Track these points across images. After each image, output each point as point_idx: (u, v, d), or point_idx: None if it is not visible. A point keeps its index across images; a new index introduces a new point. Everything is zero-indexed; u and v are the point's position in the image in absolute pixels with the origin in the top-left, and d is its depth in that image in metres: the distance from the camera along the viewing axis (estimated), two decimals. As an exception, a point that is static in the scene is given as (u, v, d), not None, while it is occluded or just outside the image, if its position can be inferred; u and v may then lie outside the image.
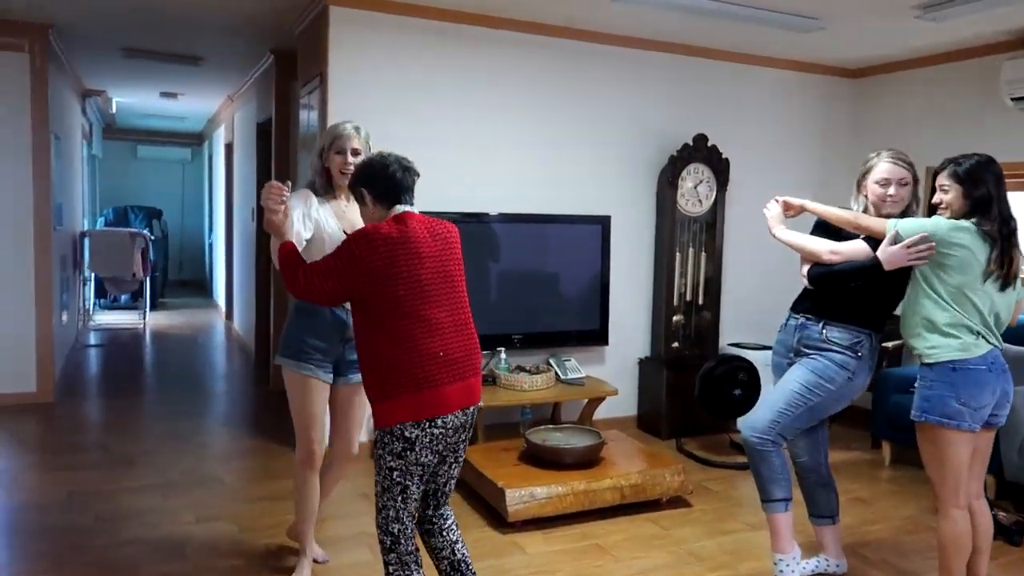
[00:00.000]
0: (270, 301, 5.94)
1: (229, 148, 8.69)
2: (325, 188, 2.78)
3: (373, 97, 4.28)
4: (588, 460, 3.77)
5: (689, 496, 3.88)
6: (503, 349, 4.55)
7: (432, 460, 2.25)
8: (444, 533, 2.43)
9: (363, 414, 2.94)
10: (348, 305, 2.40)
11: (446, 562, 2.42)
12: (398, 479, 2.22)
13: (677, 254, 5.04)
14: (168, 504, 3.65)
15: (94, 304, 9.34)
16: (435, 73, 4.43)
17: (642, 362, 5.13)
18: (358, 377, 2.62)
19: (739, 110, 5.31)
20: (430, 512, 2.42)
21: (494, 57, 4.57)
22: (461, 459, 2.40)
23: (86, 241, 7.81)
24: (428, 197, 4.53)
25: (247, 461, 4.33)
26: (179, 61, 6.22)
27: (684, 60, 5.09)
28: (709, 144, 5.01)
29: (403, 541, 2.26)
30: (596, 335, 4.90)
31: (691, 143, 4.97)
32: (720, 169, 5.07)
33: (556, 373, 4.61)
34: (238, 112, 8.00)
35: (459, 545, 2.44)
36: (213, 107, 9.22)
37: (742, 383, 4.48)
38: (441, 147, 4.45)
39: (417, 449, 2.19)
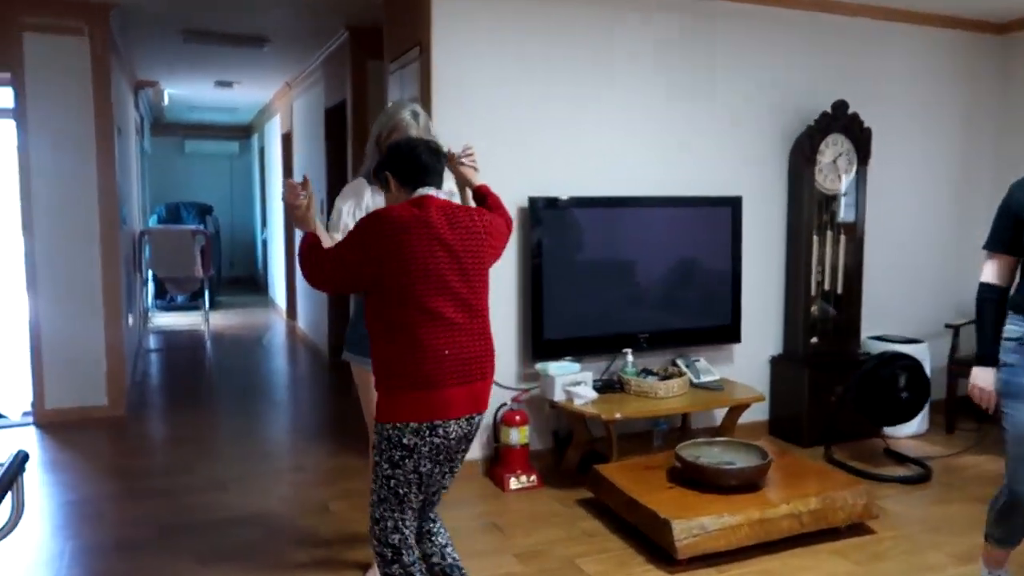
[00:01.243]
0: (348, 301, 5.46)
1: (287, 138, 8.25)
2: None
3: (481, 70, 3.76)
4: (755, 482, 3.24)
5: (873, 521, 3.32)
6: (629, 351, 4.02)
7: (431, 469, 2.13)
8: (433, 537, 2.29)
9: None
10: None
11: (437, 568, 2.27)
12: (395, 488, 2.10)
13: (814, 237, 4.45)
14: (273, 541, 3.18)
15: (152, 305, 9.00)
16: (548, 41, 3.88)
17: (775, 360, 4.56)
18: None
19: (877, 73, 4.68)
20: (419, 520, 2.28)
21: (612, 22, 4.01)
22: (458, 468, 2.26)
23: (145, 240, 7.43)
24: (537, 180, 4.05)
25: (352, 482, 3.85)
26: (243, 43, 5.76)
27: (816, 17, 4.48)
28: (849, 112, 4.41)
29: (405, 553, 2.14)
30: (727, 331, 4.34)
31: (830, 111, 4.36)
32: (861, 140, 4.46)
33: (689, 377, 4.07)
34: (298, 99, 7.54)
35: (448, 549, 2.29)
36: (267, 96, 8.79)
37: (907, 384, 3.90)
38: (553, 125, 3.92)
39: (415, 458, 2.07)
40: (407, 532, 2.14)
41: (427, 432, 2.04)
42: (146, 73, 7.41)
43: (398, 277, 2.02)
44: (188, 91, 8.34)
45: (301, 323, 7.96)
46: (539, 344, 3.87)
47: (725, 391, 4.01)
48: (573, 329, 3.95)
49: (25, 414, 4.88)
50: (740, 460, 3.36)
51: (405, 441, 2.05)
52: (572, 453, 3.93)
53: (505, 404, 3.82)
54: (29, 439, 4.53)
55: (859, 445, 4.34)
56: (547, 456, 4.03)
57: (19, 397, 5.09)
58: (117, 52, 5.73)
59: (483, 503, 3.57)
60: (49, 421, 4.73)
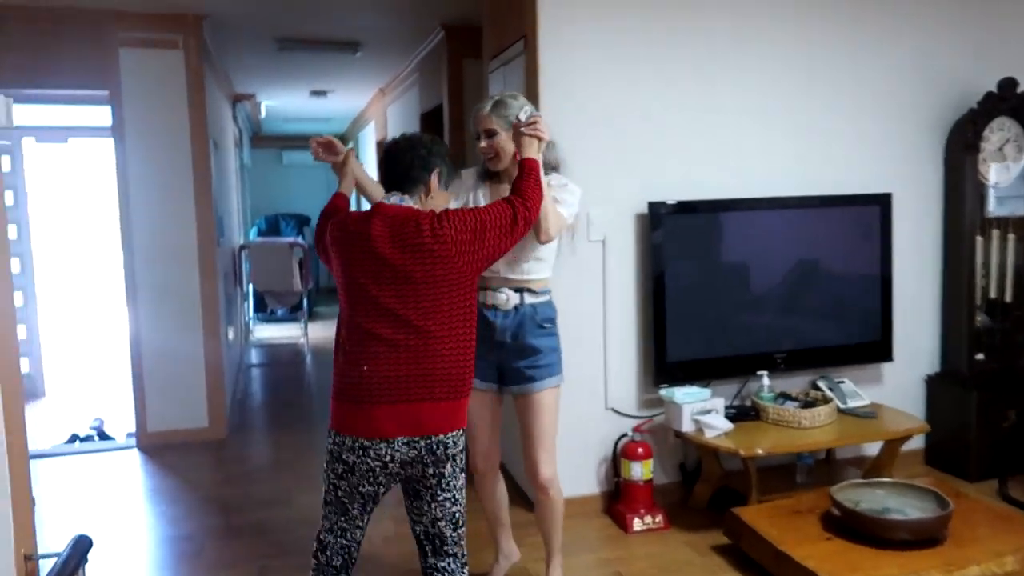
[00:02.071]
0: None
1: (381, 146, 8.09)
2: (486, 172, 2.58)
3: (591, 61, 3.37)
4: (933, 535, 2.72)
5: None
6: (765, 373, 3.54)
7: (375, 490, 2.09)
8: None
9: (544, 432, 2.55)
10: (496, 303, 2.48)
11: None
12: (341, 497, 2.11)
13: (977, 237, 3.85)
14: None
15: (252, 318, 9.03)
16: (668, 26, 3.46)
17: (932, 380, 3.98)
18: (528, 387, 2.52)
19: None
20: (430, 560, 2.18)
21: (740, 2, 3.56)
22: (443, 497, 2.10)
23: (244, 254, 7.40)
24: (655, 183, 3.47)
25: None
26: (336, 49, 5.57)
27: (976, -16, 3.89)
28: (1019, 91, 3.79)
29: (325, 555, 2.16)
30: (876, 348, 3.79)
31: (996, 91, 3.76)
32: (1032, 123, 3.83)
33: (835, 402, 3.56)
34: (392, 105, 7.36)
35: None
36: (361, 104, 8.67)
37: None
38: (673, 118, 3.49)
39: (355, 477, 2.05)
40: (340, 540, 2.15)
41: (360, 451, 2.01)
42: (243, 86, 7.39)
43: (339, 287, 2.10)
44: (284, 102, 8.31)
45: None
46: (662, 366, 3.44)
47: (879, 418, 3.48)
48: (700, 349, 3.52)
49: (129, 435, 4.82)
50: (910, 507, 2.85)
51: (345, 457, 2.04)
52: (702, 489, 3.50)
53: (626, 435, 3.42)
54: (133, 463, 4.45)
55: (1039, 480, 3.72)
56: (673, 491, 3.60)
57: (124, 417, 5.05)
58: (213, 66, 5.65)
59: (605, 547, 3.18)
60: (152, 444, 4.64)
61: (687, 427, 3.29)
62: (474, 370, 2.14)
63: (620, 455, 3.40)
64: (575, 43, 3.35)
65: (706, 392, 3.37)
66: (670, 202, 3.40)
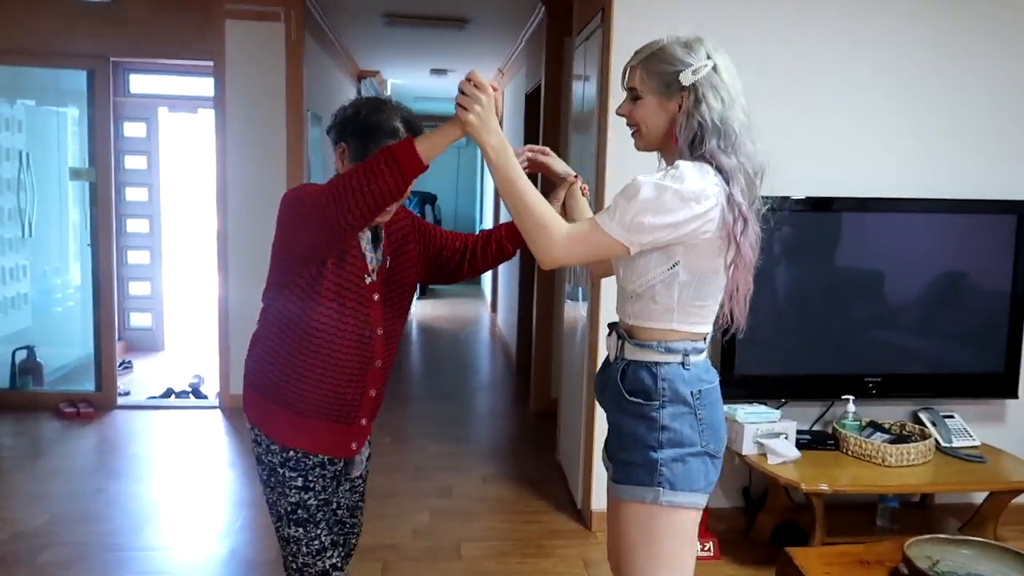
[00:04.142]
0: (533, 295, 5.00)
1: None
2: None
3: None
4: (1021, 612, 2.26)
5: None
6: (851, 398, 3.11)
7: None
8: None
9: (627, 562, 1.64)
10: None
11: None
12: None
13: None
14: (390, 582, 2.78)
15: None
16: (764, 11, 3.08)
17: (1069, 425, 3.37)
18: (611, 484, 1.68)
19: None
20: None
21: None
22: None
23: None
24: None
25: (495, 519, 3.37)
26: (443, 25, 5.49)
27: None
28: None
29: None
30: (997, 381, 3.24)
31: None
32: None
33: (935, 439, 3.08)
34: (508, 85, 7.22)
35: None
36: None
37: None
38: (765, 107, 3.10)
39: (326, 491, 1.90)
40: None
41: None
42: (366, 63, 7.49)
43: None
44: (406, 80, 8.36)
45: (499, 318, 7.69)
46: (729, 380, 3.08)
47: (987, 463, 2.97)
48: (776, 365, 3.14)
49: (217, 395, 5.00)
50: (999, 574, 2.38)
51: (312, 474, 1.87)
52: (765, 519, 3.13)
53: (680, 450, 3.10)
54: (211, 422, 4.61)
55: None
56: (734, 517, 3.26)
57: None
58: (328, 40, 5.73)
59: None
60: (234, 405, 4.78)
61: (748, 450, 2.94)
62: None
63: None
64: (657, 16, 3.04)
65: (775, 413, 2.99)
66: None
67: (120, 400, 4.85)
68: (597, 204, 3.14)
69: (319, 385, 1.76)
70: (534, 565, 2.91)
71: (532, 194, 1.52)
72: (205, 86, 6.05)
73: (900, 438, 3.04)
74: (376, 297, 1.80)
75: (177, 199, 6.69)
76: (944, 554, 2.50)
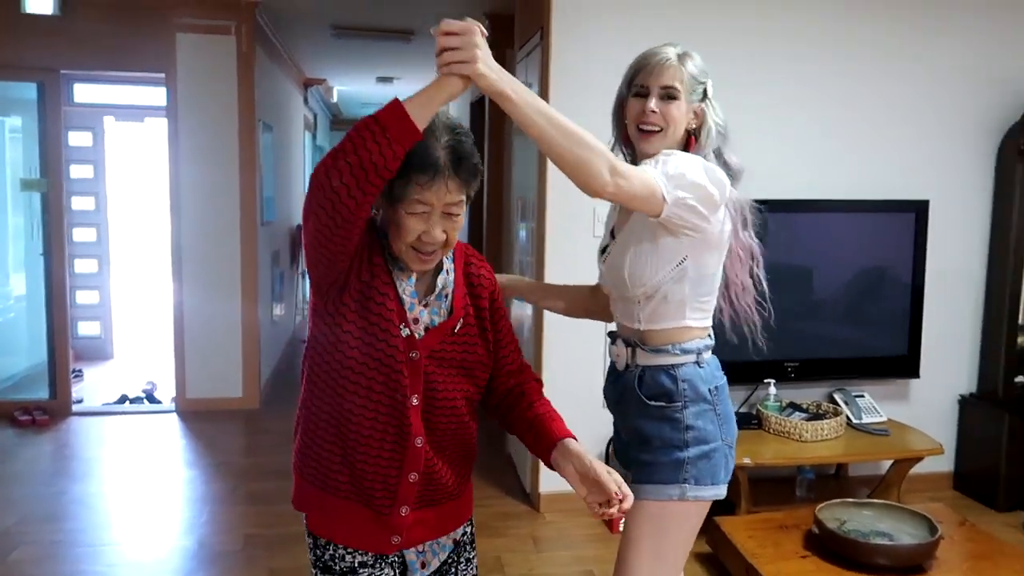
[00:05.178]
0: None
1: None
2: (627, 158, 1.72)
3: (606, 54, 3.31)
4: (917, 563, 2.58)
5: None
6: (772, 381, 3.42)
7: None
8: None
9: (627, 559, 1.76)
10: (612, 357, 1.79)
11: None
12: None
13: (1025, 253, 3.59)
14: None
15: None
16: (690, 13, 3.37)
17: (966, 401, 3.74)
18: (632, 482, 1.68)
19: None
20: None
21: (766, -9, 3.42)
22: None
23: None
24: None
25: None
26: (389, 37, 5.68)
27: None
28: (1081, 96, 3.50)
29: None
30: (902, 363, 3.60)
31: (1054, 95, 3.49)
32: (1096, 131, 3.53)
33: (847, 416, 3.41)
34: (453, 93, 7.42)
35: None
36: (429, 91, 8.79)
37: None
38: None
39: None
40: None
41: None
42: (313, 71, 7.61)
43: None
44: (353, 88, 8.51)
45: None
46: (663, 367, 3.37)
47: (892, 437, 3.31)
48: (705, 352, 3.42)
49: (173, 400, 5.09)
50: (900, 531, 2.70)
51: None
52: (697, 495, 3.41)
53: (619, 434, 3.36)
54: (167, 427, 4.70)
55: (1076, 515, 3.45)
56: (669, 495, 3.52)
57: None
58: (276, 51, 5.86)
59: (585, 546, 3.16)
60: (189, 410, 4.88)
61: (680, 431, 3.21)
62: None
63: (611, 455, 3.35)
64: (590, 34, 3.30)
65: (704, 397, 3.27)
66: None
67: (75, 407, 4.91)
68: (540, 216, 3.39)
69: (343, 453, 1.43)
70: (489, 543, 3.13)
71: (570, 122, 1.38)
72: (152, 95, 6.13)
73: (816, 416, 3.35)
74: (415, 355, 1.40)
75: (125, 207, 6.72)
76: (851, 515, 2.82)
